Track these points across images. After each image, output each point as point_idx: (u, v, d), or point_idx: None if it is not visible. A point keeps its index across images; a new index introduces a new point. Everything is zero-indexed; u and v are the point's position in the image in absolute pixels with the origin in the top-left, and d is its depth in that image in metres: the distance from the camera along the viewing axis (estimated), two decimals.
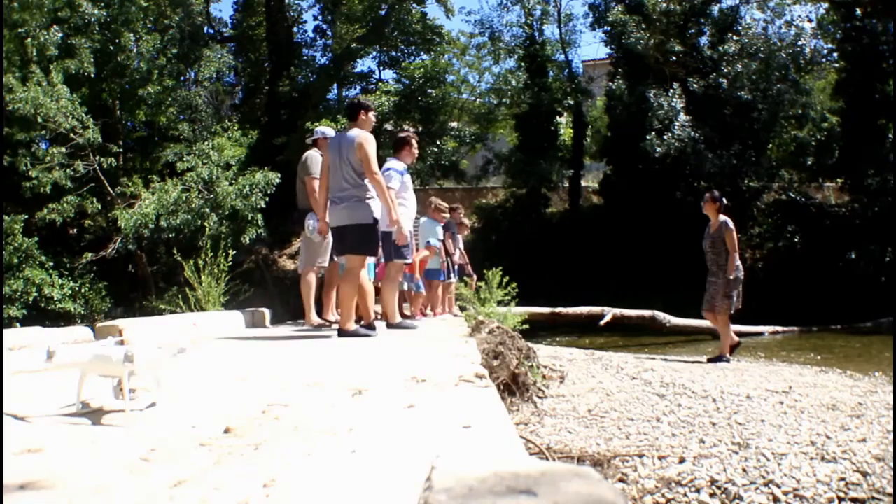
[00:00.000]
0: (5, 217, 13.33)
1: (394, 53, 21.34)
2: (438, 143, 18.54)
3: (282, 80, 18.94)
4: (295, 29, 21.48)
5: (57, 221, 14.41)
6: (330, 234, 5.46)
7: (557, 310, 10.88)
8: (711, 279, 6.95)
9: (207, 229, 13.31)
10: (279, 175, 13.90)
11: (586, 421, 3.72)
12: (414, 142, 5.75)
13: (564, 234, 17.83)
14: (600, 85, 19.47)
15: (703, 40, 17.24)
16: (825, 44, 17.28)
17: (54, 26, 14.85)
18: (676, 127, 15.24)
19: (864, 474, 2.85)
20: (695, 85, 15.96)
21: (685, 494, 2.71)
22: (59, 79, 13.75)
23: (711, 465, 2.92)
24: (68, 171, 14.00)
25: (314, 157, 6.01)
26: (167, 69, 17.56)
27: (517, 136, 20.32)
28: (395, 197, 5.02)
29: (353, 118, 4.87)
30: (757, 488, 2.72)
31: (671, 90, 15.75)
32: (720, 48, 16.16)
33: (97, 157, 14.64)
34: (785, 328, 11.74)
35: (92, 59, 15.41)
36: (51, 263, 14.32)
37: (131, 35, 16.42)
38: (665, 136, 15.17)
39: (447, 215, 8.22)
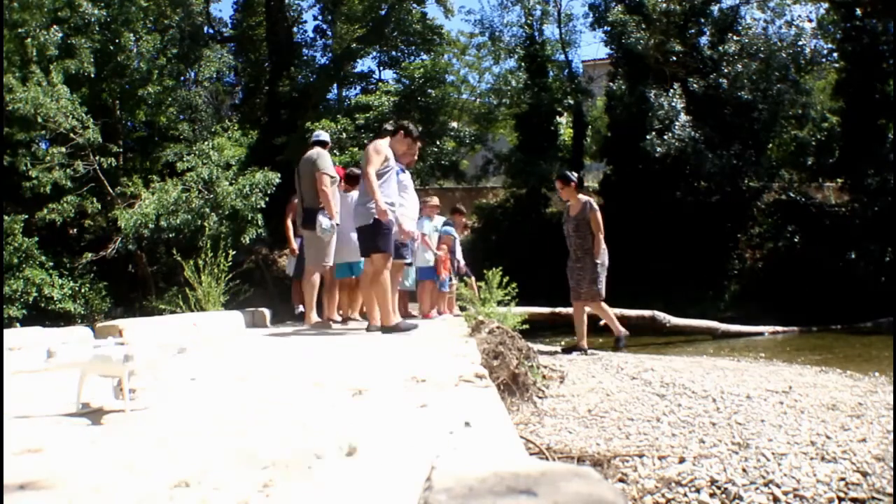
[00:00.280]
0: (5, 217, 13.33)
1: (394, 53, 21.34)
2: (438, 143, 18.54)
3: (282, 80, 18.94)
4: (295, 29, 21.48)
5: (57, 221, 14.41)
6: (335, 234, 5.70)
7: (557, 310, 10.86)
8: (577, 265, 6.56)
9: (207, 229, 13.31)
10: (279, 175, 13.90)
11: (586, 421, 3.72)
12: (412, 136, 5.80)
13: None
14: (600, 85, 19.46)
15: (703, 40, 17.23)
16: (825, 44, 17.27)
17: (54, 26, 14.85)
18: (676, 127, 15.23)
19: (864, 474, 2.85)
20: (695, 85, 15.96)
21: (685, 494, 2.71)
22: (59, 79, 13.75)
23: (711, 465, 2.92)
24: (68, 171, 14.00)
25: (324, 153, 6.01)
26: (167, 69, 17.56)
27: (517, 136, 20.31)
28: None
29: (392, 134, 5.34)
30: (757, 488, 2.72)
31: (671, 90, 15.75)
32: (720, 48, 16.15)
33: (97, 157, 14.64)
34: (785, 328, 11.73)
35: (92, 59, 15.41)
36: (51, 263, 14.32)
37: (131, 35, 16.42)
38: (665, 136, 15.17)
39: (435, 203, 8.35)
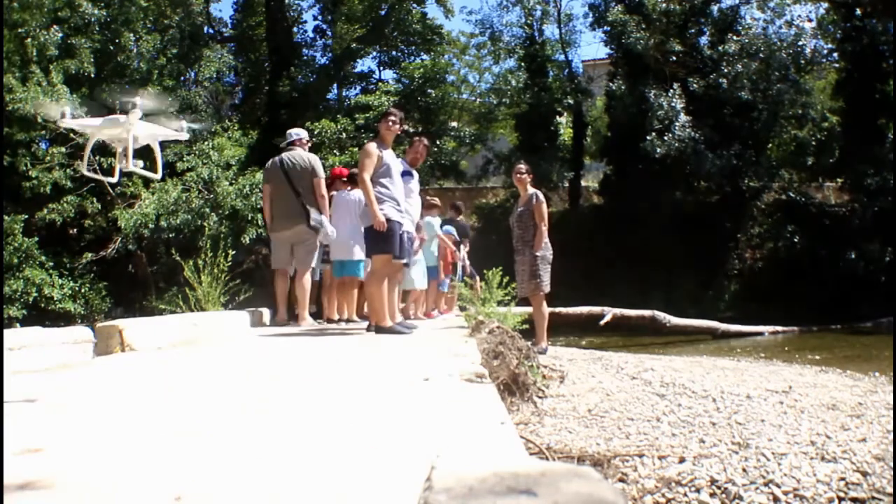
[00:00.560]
0: (5, 217, 13.33)
1: (394, 53, 21.34)
2: (438, 143, 18.54)
3: (282, 80, 18.93)
4: (295, 29, 21.46)
5: (57, 221, 14.41)
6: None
7: (557, 310, 10.85)
8: (518, 258, 6.30)
9: (207, 229, 13.32)
10: None
11: (586, 421, 3.72)
12: (416, 142, 5.86)
13: (564, 234, 17.81)
14: (600, 85, 19.46)
15: (703, 40, 17.24)
16: (825, 44, 17.29)
17: (54, 26, 14.85)
18: (676, 127, 15.24)
19: (864, 474, 2.85)
20: (695, 85, 15.96)
21: (685, 494, 2.71)
22: (59, 79, 13.76)
23: (711, 464, 2.92)
24: (68, 171, 14.00)
25: (316, 158, 6.09)
26: (167, 69, 17.55)
27: (517, 136, 20.30)
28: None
29: (376, 131, 5.27)
30: (757, 488, 2.72)
31: (671, 90, 15.75)
32: (720, 48, 16.16)
33: (97, 157, 14.63)
34: (785, 328, 11.74)
35: (92, 59, 15.41)
36: (51, 263, 14.32)
37: (131, 35, 16.42)
38: (665, 136, 15.17)
39: (437, 202, 8.37)
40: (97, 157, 14.64)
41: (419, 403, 2.04)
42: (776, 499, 2.67)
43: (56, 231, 15.25)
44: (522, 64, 20.06)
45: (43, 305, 13.53)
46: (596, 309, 11.00)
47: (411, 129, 18.98)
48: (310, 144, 6.60)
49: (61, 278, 14.25)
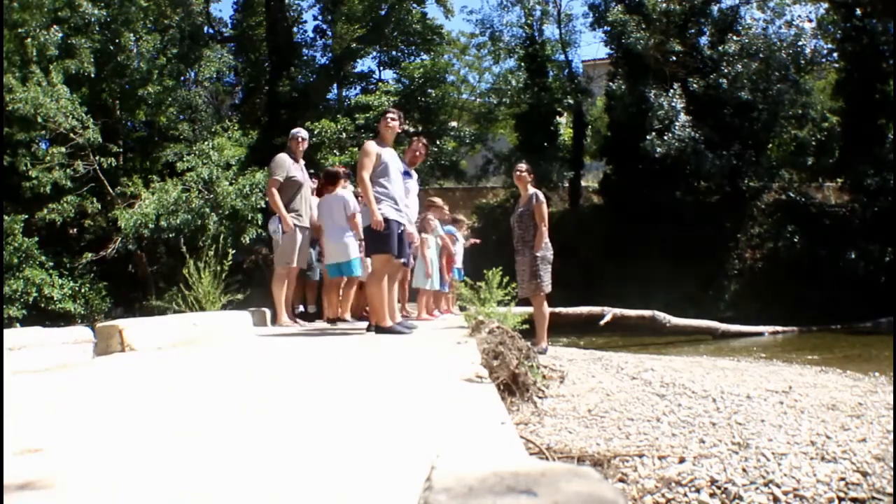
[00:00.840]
0: (5, 217, 13.32)
1: (394, 53, 21.33)
2: (438, 143, 18.53)
3: (282, 80, 18.92)
4: (295, 29, 21.45)
5: (57, 221, 14.40)
6: (298, 234, 6.03)
7: (557, 310, 10.84)
8: (517, 258, 6.28)
9: (207, 229, 13.31)
10: None
11: (586, 421, 3.72)
12: (415, 142, 5.87)
13: (564, 234, 17.81)
14: (600, 85, 19.46)
15: (703, 40, 17.24)
16: (825, 44, 17.28)
17: (54, 26, 14.84)
18: (676, 127, 15.23)
19: (864, 474, 2.85)
20: (695, 85, 15.96)
21: (685, 494, 2.71)
22: (59, 79, 13.74)
23: (711, 464, 2.92)
24: (68, 171, 14.00)
25: (279, 159, 6.14)
26: (167, 69, 17.55)
27: (517, 136, 20.30)
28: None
29: (375, 130, 5.34)
30: (757, 488, 2.72)
31: (671, 90, 15.75)
32: (720, 48, 16.15)
33: (97, 157, 14.64)
34: (785, 328, 11.74)
35: (92, 59, 15.41)
36: (51, 263, 14.31)
37: (131, 35, 16.41)
38: (665, 136, 15.17)
39: (437, 202, 8.40)
40: (97, 157, 14.66)
41: (419, 403, 2.04)
42: (776, 499, 2.67)
43: (56, 231, 15.24)
44: (522, 64, 20.07)
45: (43, 305, 13.52)
46: (596, 309, 11.00)
47: (411, 129, 19.01)
48: (305, 144, 6.60)
49: (61, 278, 14.24)
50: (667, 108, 15.46)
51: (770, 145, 17.47)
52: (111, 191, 15.36)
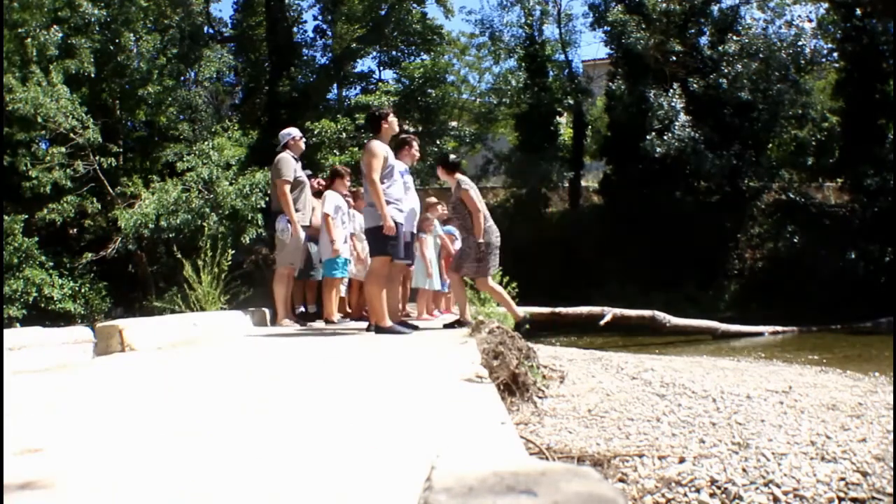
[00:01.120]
0: (5, 217, 13.32)
1: (394, 53, 21.33)
2: (438, 143, 18.53)
3: (282, 80, 18.93)
4: (295, 29, 21.45)
5: (57, 221, 14.40)
6: (301, 236, 5.98)
7: (557, 310, 10.87)
8: (462, 245, 6.21)
9: (207, 229, 13.30)
10: None
11: (586, 421, 3.72)
12: (415, 143, 5.84)
13: (564, 234, 17.83)
14: (600, 85, 19.47)
15: (703, 40, 17.24)
16: (825, 44, 17.28)
17: (54, 26, 14.83)
18: (676, 127, 15.24)
19: (864, 474, 2.85)
20: (695, 85, 15.96)
21: (685, 494, 2.71)
22: (59, 79, 13.74)
23: (711, 464, 2.92)
24: (68, 171, 13.99)
25: (285, 159, 6.10)
26: (167, 69, 17.55)
27: (517, 136, 20.31)
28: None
29: (375, 130, 5.12)
30: (757, 488, 2.72)
31: (671, 90, 15.75)
32: (720, 48, 16.16)
33: (97, 157, 14.63)
34: (785, 328, 11.74)
35: (92, 59, 15.40)
36: (51, 263, 14.31)
37: (131, 35, 16.41)
38: (665, 136, 15.17)
39: (435, 201, 8.40)
40: (97, 157, 14.66)
41: (419, 403, 2.04)
42: (776, 499, 2.67)
43: (56, 231, 15.24)
44: (522, 64, 20.07)
45: (43, 305, 13.52)
46: (596, 309, 11.00)
47: (411, 129, 19.01)
48: (302, 141, 6.59)
49: (61, 278, 14.24)
50: (667, 108, 15.46)
51: (770, 145, 17.48)
52: (111, 191, 15.36)
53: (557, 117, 20.07)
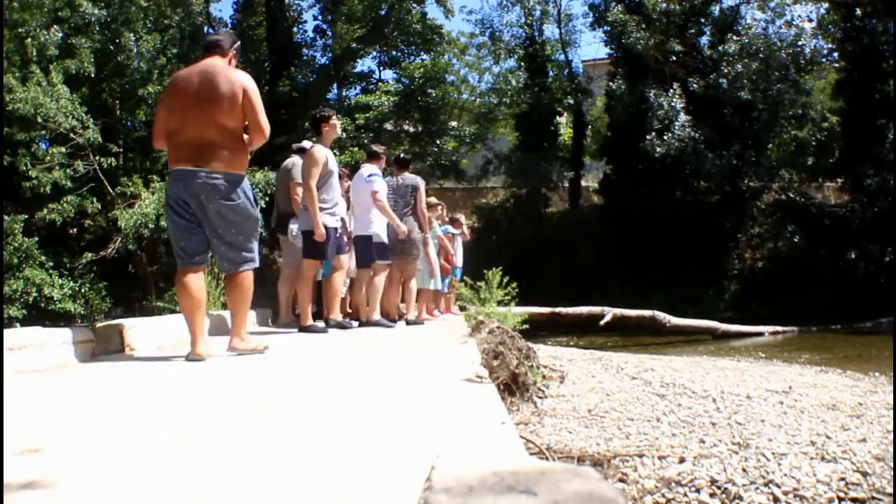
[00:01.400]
0: (5, 217, 13.31)
1: (394, 53, 21.32)
2: (438, 143, 18.53)
3: (282, 80, 18.92)
4: (295, 29, 21.44)
5: (57, 221, 14.40)
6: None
7: (557, 310, 10.87)
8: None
9: None
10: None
11: (586, 421, 3.72)
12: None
13: (564, 234, 17.84)
14: (600, 85, 19.47)
15: (703, 40, 17.24)
16: (825, 44, 17.28)
17: (54, 26, 14.83)
18: (676, 127, 15.24)
19: (864, 474, 2.85)
20: (695, 85, 15.96)
21: (685, 494, 2.71)
22: (59, 79, 13.73)
23: (711, 464, 2.92)
24: (68, 171, 13.98)
25: (298, 162, 6.12)
26: (167, 69, 17.53)
27: (517, 136, 20.32)
28: (385, 203, 5.75)
29: (317, 132, 5.37)
30: (757, 488, 2.72)
31: (671, 90, 15.75)
32: (720, 48, 16.16)
33: (97, 157, 14.63)
34: (785, 328, 11.74)
35: (92, 59, 15.39)
36: (51, 263, 14.30)
37: (131, 35, 16.40)
38: (665, 136, 15.17)
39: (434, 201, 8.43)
40: (97, 157, 14.65)
41: (419, 403, 2.04)
42: (776, 499, 2.67)
43: (56, 231, 15.23)
44: (522, 64, 20.07)
45: (43, 305, 13.51)
46: (596, 309, 11.00)
47: (411, 129, 19.01)
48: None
49: (61, 278, 14.23)
50: (667, 108, 15.46)
51: (770, 145, 17.48)
52: (111, 191, 15.36)
53: (557, 117, 20.08)
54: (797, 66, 16.54)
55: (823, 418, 3.74)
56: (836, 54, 17.16)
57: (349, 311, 7.31)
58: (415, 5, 20.23)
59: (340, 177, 6.65)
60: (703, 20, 17.36)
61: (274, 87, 19.32)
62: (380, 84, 19.73)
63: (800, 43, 16.50)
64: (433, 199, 8.70)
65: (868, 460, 2.98)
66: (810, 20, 17.46)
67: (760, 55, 15.97)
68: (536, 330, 7.99)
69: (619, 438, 3.35)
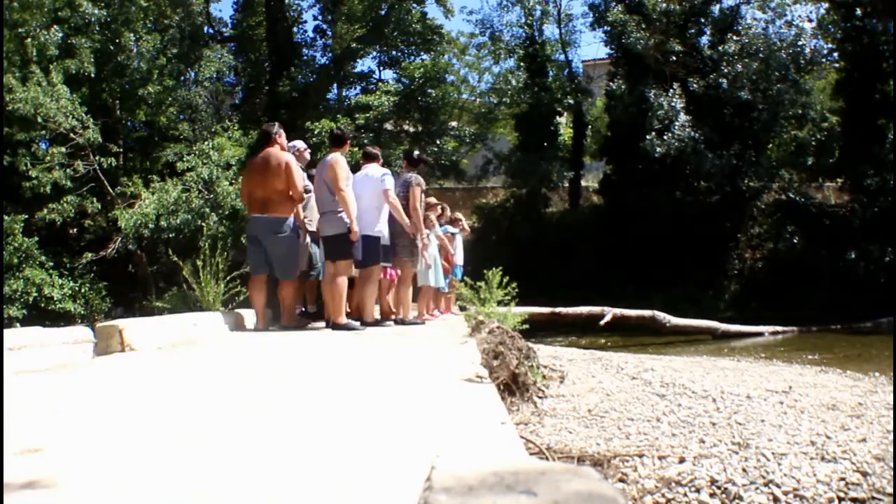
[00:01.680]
0: (5, 217, 13.32)
1: (394, 53, 21.33)
2: (438, 143, 18.52)
3: (282, 80, 18.93)
4: (295, 29, 21.45)
5: (57, 221, 14.40)
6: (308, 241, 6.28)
7: (557, 310, 10.87)
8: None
9: (207, 229, 13.31)
10: None
11: (586, 421, 3.72)
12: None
13: (564, 234, 17.84)
14: (600, 85, 19.47)
15: (703, 40, 17.24)
16: (825, 44, 17.28)
17: (54, 26, 14.83)
18: (676, 127, 15.23)
19: (864, 474, 2.85)
20: (695, 85, 15.95)
21: (685, 494, 2.71)
22: (59, 79, 13.74)
23: (711, 464, 2.92)
24: (68, 171, 14.00)
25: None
26: (167, 69, 17.54)
27: (517, 136, 20.31)
28: (397, 202, 6.02)
29: (339, 145, 5.79)
30: (757, 488, 2.72)
31: (671, 90, 15.75)
32: (720, 48, 16.15)
33: (97, 157, 14.64)
34: (785, 328, 11.74)
35: (92, 59, 15.40)
36: (51, 263, 14.31)
37: (131, 35, 16.41)
38: (665, 136, 15.17)
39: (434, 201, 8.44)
40: (97, 157, 14.66)
41: (419, 403, 2.04)
42: (776, 499, 2.67)
43: (56, 231, 15.24)
44: (522, 64, 20.07)
45: (43, 305, 13.52)
46: (596, 309, 11.00)
47: (411, 129, 19.01)
48: (307, 152, 6.67)
49: (61, 278, 14.24)
50: (667, 108, 15.45)
51: (770, 145, 17.47)
52: (111, 191, 15.36)
53: (557, 117, 20.07)
54: (797, 66, 16.53)
55: (823, 418, 3.74)
56: (836, 54, 17.16)
57: (348, 310, 7.31)
58: (415, 5, 20.24)
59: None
60: (703, 20, 17.35)
61: (274, 86, 19.33)
62: (380, 84, 19.73)
63: (800, 43, 16.48)
64: (433, 199, 8.69)
65: (868, 460, 2.98)
66: (810, 20, 17.46)
67: (760, 55, 15.97)
68: (536, 330, 7.99)
69: (619, 438, 3.35)
